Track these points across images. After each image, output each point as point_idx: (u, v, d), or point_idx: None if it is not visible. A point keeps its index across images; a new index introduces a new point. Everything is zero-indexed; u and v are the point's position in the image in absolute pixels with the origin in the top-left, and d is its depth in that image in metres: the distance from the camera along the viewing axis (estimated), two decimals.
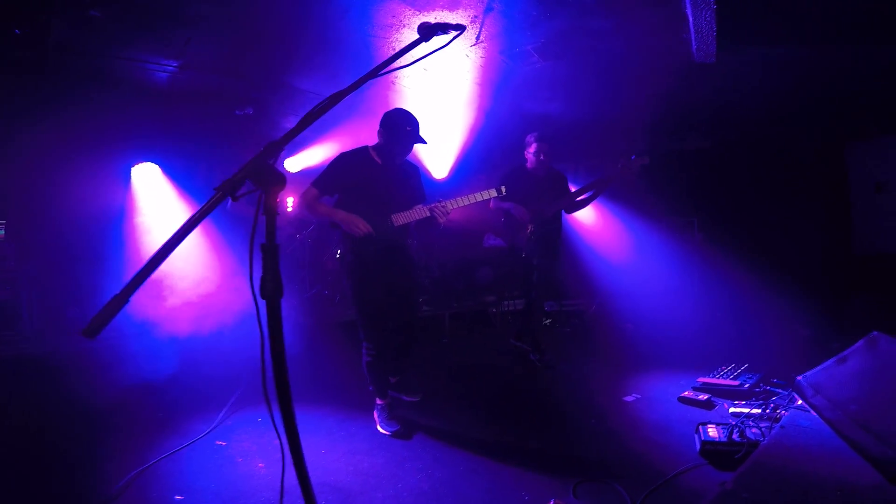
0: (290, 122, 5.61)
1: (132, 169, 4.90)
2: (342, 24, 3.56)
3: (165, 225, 4.72)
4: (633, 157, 3.65)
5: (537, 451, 2.51)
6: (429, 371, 3.91)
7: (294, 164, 6.17)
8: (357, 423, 2.82)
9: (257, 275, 1.12)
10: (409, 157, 2.81)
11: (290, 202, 6.27)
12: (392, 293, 2.73)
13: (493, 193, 2.78)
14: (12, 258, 4.06)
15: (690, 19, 2.96)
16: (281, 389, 1.13)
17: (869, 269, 4.33)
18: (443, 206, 2.60)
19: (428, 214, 2.63)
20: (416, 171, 2.87)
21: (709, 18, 2.79)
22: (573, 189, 3.93)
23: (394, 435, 2.64)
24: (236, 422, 2.87)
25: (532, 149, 3.85)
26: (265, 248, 1.10)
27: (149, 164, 4.95)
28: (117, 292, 0.98)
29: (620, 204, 5.89)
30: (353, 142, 5.95)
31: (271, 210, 1.11)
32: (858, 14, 2.84)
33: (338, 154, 2.68)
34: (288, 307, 5.52)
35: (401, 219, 2.64)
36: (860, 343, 2.33)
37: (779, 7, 2.77)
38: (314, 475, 2.15)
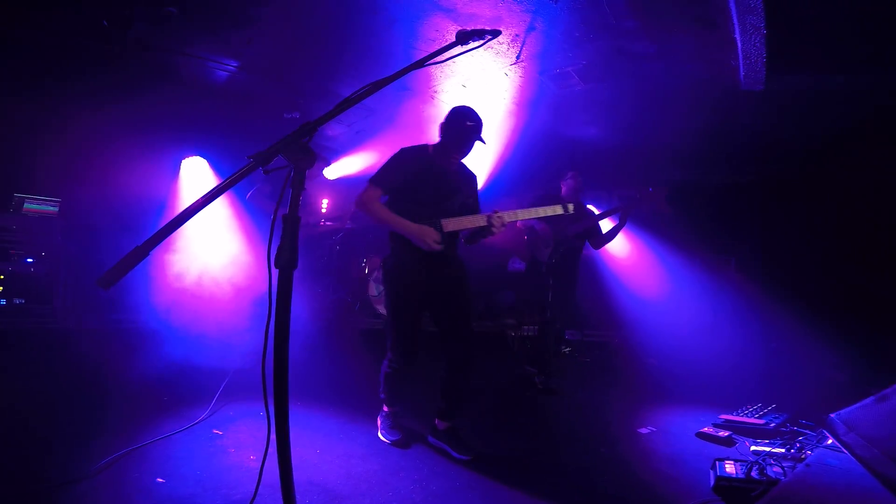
0: (333, 130, 5.86)
1: (182, 161, 5.19)
2: (387, 35, 3.72)
3: (203, 217, 4.92)
4: (650, 189, 3.68)
5: (541, 474, 2.40)
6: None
7: (332, 171, 6.38)
8: (359, 428, 2.77)
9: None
10: (465, 164, 2.65)
11: (324, 203, 6.48)
12: (442, 307, 2.52)
13: (559, 210, 2.62)
14: (59, 235, 4.28)
15: (739, 44, 2.93)
16: (279, 365, 1.16)
17: None
18: (500, 217, 2.39)
19: (483, 224, 2.40)
20: (474, 179, 2.67)
21: (758, 44, 2.76)
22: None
23: (393, 444, 2.57)
24: (238, 412, 2.85)
25: (572, 184, 4.01)
26: (286, 219, 1.15)
27: (198, 157, 5.24)
28: (138, 245, 1.01)
29: (654, 237, 5.78)
30: (390, 154, 6.19)
31: (298, 184, 1.17)
32: None
33: (399, 149, 2.50)
34: (310, 310, 5.64)
35: (451, 225, 2.41)
36: None
37: (834, 31, 2.70)
38: (305, 473, 2.18)
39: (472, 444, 2.52)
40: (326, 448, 2.48)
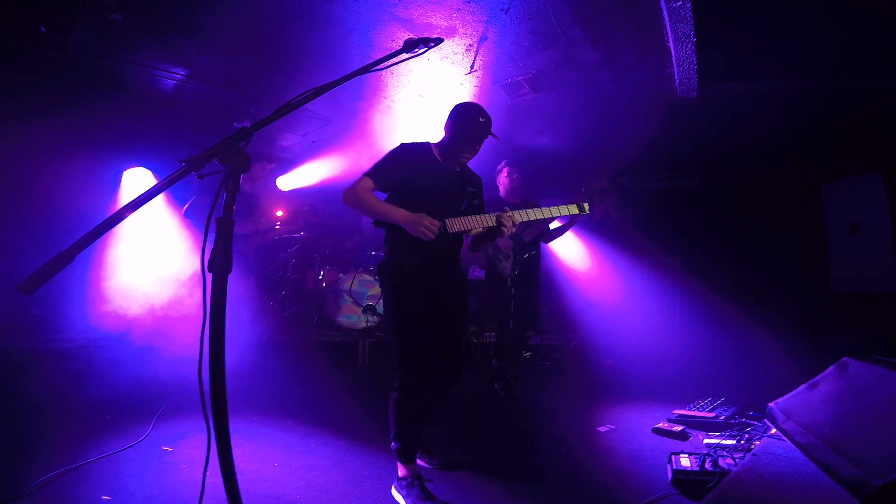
0: (287, 139, 5.71)
1: (123, 173, 4.91)
2: (343, 45, 3.68)
3: (146, 231, 4.67)
4: (583, 189, 3.90)
5: (505, 476, 2.40)
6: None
7: (286, 182, 6.22)
8: (319, 439, 2.71)
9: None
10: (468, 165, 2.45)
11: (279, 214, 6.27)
12: (437, 315, 2.26)
13: (575, 210, 2.41)
14: None
15: (673, 53, 3.11)
16: (214, 374, 1.11)
17: (845, 309, 4.38)
18: (510, 217, 2.19)
19: (492, 224, 2.22)
20: (479, 181, 2.48)
21: (690, 52, 2.94)
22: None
23: None
24: (189, 429, 2.77)
25: (504, 173, 3.99)
26: (220, 222, 1.13)
27: (142, 168, 4.97)
28: (62, 250, 0.98)
29: (605, 241, 5.99)
30: (346, 164, 6.10)
31: (233, 188, 1.15)
32: (831, 50, 3.00)
33: (398, 145, 2.32)
34: (264, 325, 5.44)
35: (457, 225, 2.21)
36: (831, 368, 2.33)
37: (757, 42, 2.92)
38: (263, 487, 2.10)
39: (437, 451, 2.49)
40: (285, 461, 2.42)
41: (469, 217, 2.24)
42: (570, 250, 6.07)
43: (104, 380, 3.30)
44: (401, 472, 2.17)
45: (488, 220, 2.23)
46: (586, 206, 2.46)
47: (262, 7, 3.20)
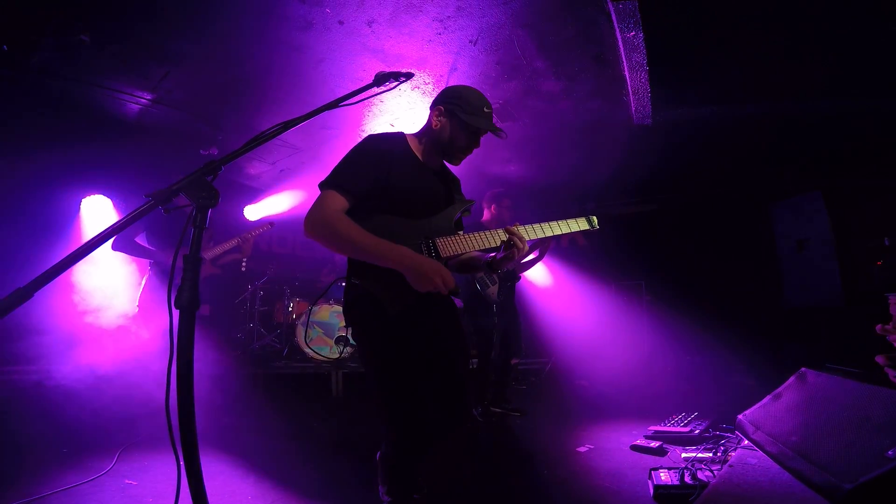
0: (255, 168, 5.65)
1: (82, 200, 4.70)
2: (314, 73, 3.72)
3: (103, 261, 4.47)
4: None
5: (486, 502, 2.36)
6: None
7: (254, 211, 6.10)
8: (293, 473, 2.60)
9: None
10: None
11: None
12: (431, 356, 1.71)
13: (585, 225, 1.97)
14: None
15: (628, 81, 3.32)
16: (183, 408, 1.07)
17: (797, 322, 4.63)
18: (517, 233, 1.69)
19: (500, 241, 1.70)
20: (459, 183, 1.95)
21: (643, 80, 3.15)
22: None
23: None
24: (154, 461, 2.65)
25: (504, 204, 4.01)
26: (187, 259, 1.11)
27: (100, 196, 4.77)
28: (21, 286, 0.95)
29: (573, 267, 6.15)
30: (316, 193, 6.06)
31: (200, 224, 1.14)
32: (769, 75, 3.28)
33: (365, 137, 1.75)
34: (233, 358, 5.23)
35: (450, 246, 1.68)
36: (791, 379, 2.45)
37: (704, 68, 3.17)
38: None
39: (419, 482, 2.42)
40: (259, 494, 2.31)
41: (467, 236, 1.71)
42: (541, 276, 6.20)
43: (60, 413, 3.17)
44: None
45: (493, 238, 1.71)
46: (595, 219, 2.06)
47: (231, 34, 3.20)
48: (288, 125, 1.35)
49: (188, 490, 1.04)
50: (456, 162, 1.81)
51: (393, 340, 1.62)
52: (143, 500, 2.17)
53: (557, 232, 1.90)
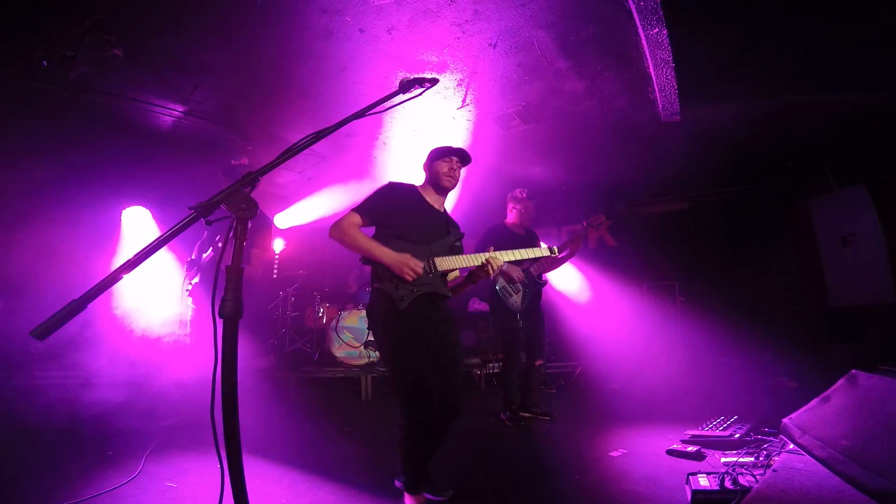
0: (284, 177, 5.80)
1: (123, 212, 4.93)
2: (337, 82, 3.80)
3: (143, 271, 4.66)
4: (584, 223, 3.90)
5: None
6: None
7: (284, 219, 6.26)
8: (325, 476, 2.61)
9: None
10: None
11: (277, 245, 6.32)
12: (430, 354, 2.23)
13: (556, 251, 2.67)
14: None
15: (654, 78, 3.24)
16: (228, 418, 1.12)
17: (843, 321, 4.39)
18: (496, 258, 2.26)
19: (480, 263, 2.27)
20: (458, 227, 2.53)
21: (670, 77, 3.07)
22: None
23: None
24: (195, 464, 2.71)
25: (525, 201, 3.95)
26: (229, 270, 1.15)
27: (139, 208, 4.99)
28: (76, 298, 1.00)
29: (604, 268, 6.02)
30: (344, 200, 6.16)
31: (241, 235, 1.17)
32: (800, 66, 3.14)
33: (387, 182, 2.39)
34: (267, 363, 5.37)
35: (446, 264, 2.26)
36: (841, 382, 2.32)
37: (732, 62, 3.06)
38: None
39: (445, 484, 2.40)
40: (293, 497, 2.35)
41: (458, 256, 2.31)
42: (569, 278, 6.10)
43: (101, 415, 3.31)
44: (407, 501, 2.23)
45: (476, 259, 2.29)
46: (556, 249, 2.69)
47: (255, 45, 3.30)
48: (320, 135, 1.38)
49: (230, 492, 1.08)
50: (446, 185, 2.40)
51: (406, 325, 2.15)
52: (184, 501, 2.23)
53: (524, 257, 2.48)
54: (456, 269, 2.33)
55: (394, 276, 2.16)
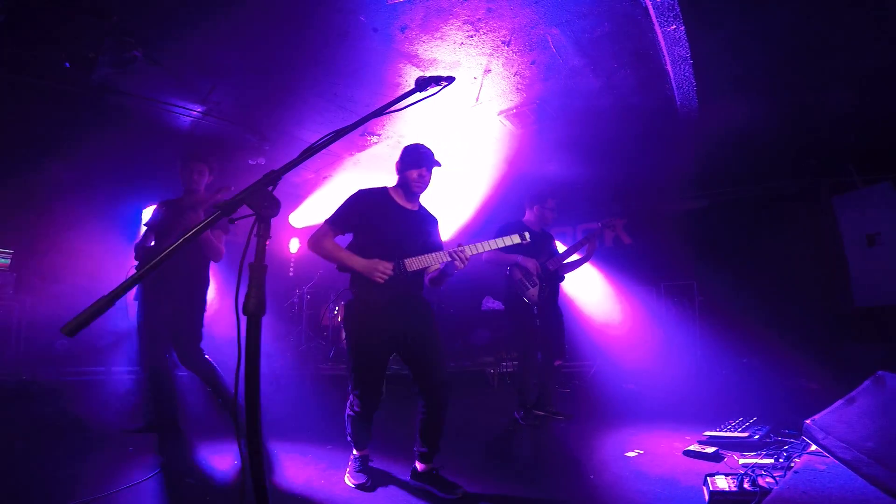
0: (300, 176, 5.87)
1: (143, 210, 5.03)
2: (351, 81, 3.84)
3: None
4: (600, 223, 3.87)
5: None
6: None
7: (298, 218, 6.33)
8: (340, 474, 2.61)
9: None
10: (425, 207, 2.64)
11: (294, 245, 6.39)
12: (413, 350, 2.42)
13: (517, 240, 2.55)
14: (11, 286, 4.16)
15: (671, 75, 3.19)
16: (251, 411, 1.12)
17: (869, 321, 4.26)
18: (461, 252, 2.36)
19: (446, 260, 2.39)
20: (435, 221, 2.65)
21: (687, 73, 3.01)
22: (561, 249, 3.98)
23: (357, 487, 2.43)
24: (215, 460, 2.74)
25: (548, 205, 3.87)
26: (253, 267, 1.15)
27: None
28: (105, 294, 1.01)
29: (620, 267, 5.95)
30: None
31: (263, 233, 1.18)
32: (821, 63, 3.05)
33: (356, 191, 2.48)
34: (283, 359, 5.44)
35: (415, 263, 2.38)
36: (867, 383, 2.25)
37: (751, 57, 2.99)
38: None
39: (456, 483, 2.41)
40: (307, 493, 2.36)
41: (426, 255, 2.41)
42: (587, 277, 6.04)
43: (123, 410, 3.36)
44: (354, 453, 2.57)
45: (443, 256, 2.40)
46: (527, 234, 2.60)
47: (271, 45, 3.35)
48: (339, 134, 1.37)
49: (251, 488, 1.09)
50: (416, 191, 2.47)
51: (369, 327, 2.35)
52: (203, 497, 2.26)
53: (493, 248, 2.50)
54: (427, 267, 2.44)
55: (368, 281, 2.33)
